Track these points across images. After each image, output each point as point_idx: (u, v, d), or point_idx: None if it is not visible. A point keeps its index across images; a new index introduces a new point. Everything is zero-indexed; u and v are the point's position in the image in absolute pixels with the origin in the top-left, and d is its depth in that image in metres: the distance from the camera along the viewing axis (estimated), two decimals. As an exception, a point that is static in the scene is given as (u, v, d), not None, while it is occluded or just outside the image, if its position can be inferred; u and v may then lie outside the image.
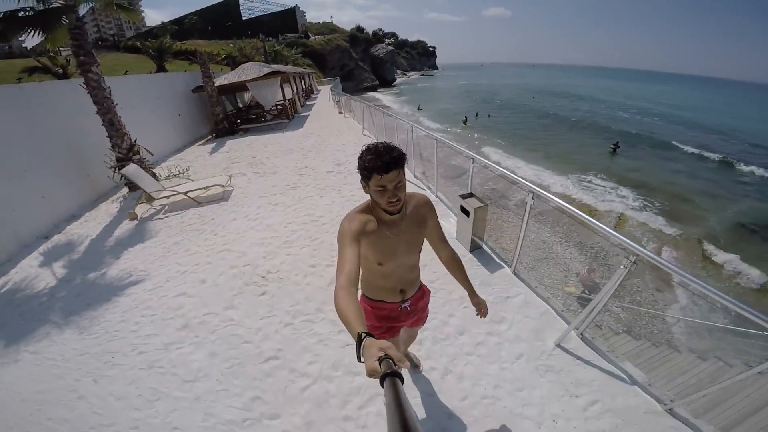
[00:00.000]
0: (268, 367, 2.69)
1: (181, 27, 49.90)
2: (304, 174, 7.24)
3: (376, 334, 1.57)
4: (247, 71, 14.75)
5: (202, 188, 6.53)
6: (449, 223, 4.40)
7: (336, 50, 64.64)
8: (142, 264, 4.46)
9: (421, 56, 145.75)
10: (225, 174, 7.44)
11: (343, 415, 2.26)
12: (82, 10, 6.62)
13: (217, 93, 13.49)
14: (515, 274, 3.34)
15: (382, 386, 0.74)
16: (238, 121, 14.74)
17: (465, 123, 31.98)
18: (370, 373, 0.82)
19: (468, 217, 3.52)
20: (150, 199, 6.50)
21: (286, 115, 15.35)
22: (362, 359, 0.88)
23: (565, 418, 2.13)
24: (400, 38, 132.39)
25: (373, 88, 70.82)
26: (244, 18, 68.81)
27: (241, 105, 16.42)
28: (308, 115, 16.22)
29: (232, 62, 26.52)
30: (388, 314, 1.63)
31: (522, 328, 2.77)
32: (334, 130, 11.79)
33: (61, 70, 10.04)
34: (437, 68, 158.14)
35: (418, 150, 6.68)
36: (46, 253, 5.15)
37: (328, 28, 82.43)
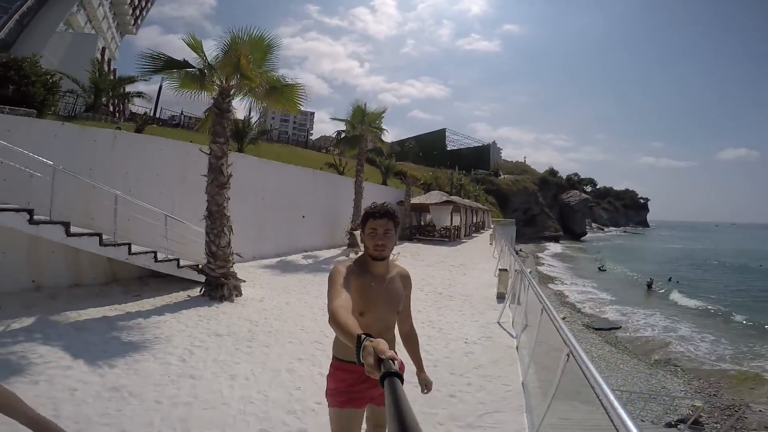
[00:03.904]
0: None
1: (402, 148, 64.59)
2: (438, 263, 12.19)
3: (339, 400, 1.70)
4: (432, 197, 21.98)
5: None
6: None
7: (522, 192, 66.26)
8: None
9: (628, 209, 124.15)
10: (397, 252, 13.27)
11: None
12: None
13: (411, 209, 20.93)
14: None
15: (382, 386, 0.78)
16: (417, 232, 21.73)
17: (649, 288, 29.94)
18: (369, 373, 0.90)
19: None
20: (357, 251, 12.89)
21: (450, 236, 21.28)
22: (362, 360, 0.96)
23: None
24: (600, 186, 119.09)
25: (555, 239, 66.85)
26: (448, 149, 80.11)
27: (423, 222, 23.54)
28: (466, 242, 21.59)
29: (427, 188, 36.16)
30: (358, 378, 1.66)
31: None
32: (475, 251, 16.55)
33: (341, 169, 19.06)
34: (648, 225, 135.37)
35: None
36: (305, 256, 11.91)
37: (520, 169, 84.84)
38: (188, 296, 6.68)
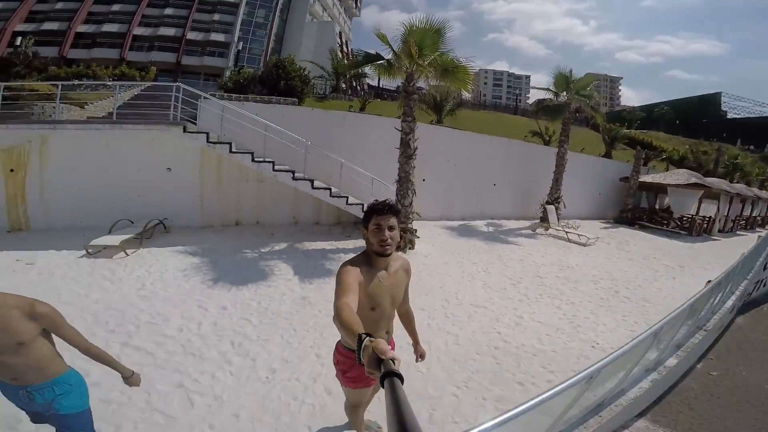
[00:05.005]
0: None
1: (649, 115, 53.14)
2: (646, 259, 9.86)
3: (366, 382, 1.98)
4: (673, 176, 16.99)
5: (576, 234, 11.33)
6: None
7: None
8: (523, 240, 10.02)
9: None
10: (595, 237, 11.72)
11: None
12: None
13: (638, 187, 17.14)
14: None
15: (382, 386, 0.78)
16: (644, 216, 17.08)
17: None
18: (370, 373, 0.91)
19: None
20: (547, 228, 12.17)
21: (691, 229, 15.39)
22: (362, 360, 0.97)
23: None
24: None
25: None
26: (727, 117, 61.89)
27: (657, 206, 18.17)
28: (717, 239, 15.37)
29: (678, 163, 27.70)
30: None
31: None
32: (720, 253, 12.29)
33: (547, 138, 17.83)
34: None
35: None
36: (488, 223, 12.22)
37: None
38: (378, 242, 8.64)
